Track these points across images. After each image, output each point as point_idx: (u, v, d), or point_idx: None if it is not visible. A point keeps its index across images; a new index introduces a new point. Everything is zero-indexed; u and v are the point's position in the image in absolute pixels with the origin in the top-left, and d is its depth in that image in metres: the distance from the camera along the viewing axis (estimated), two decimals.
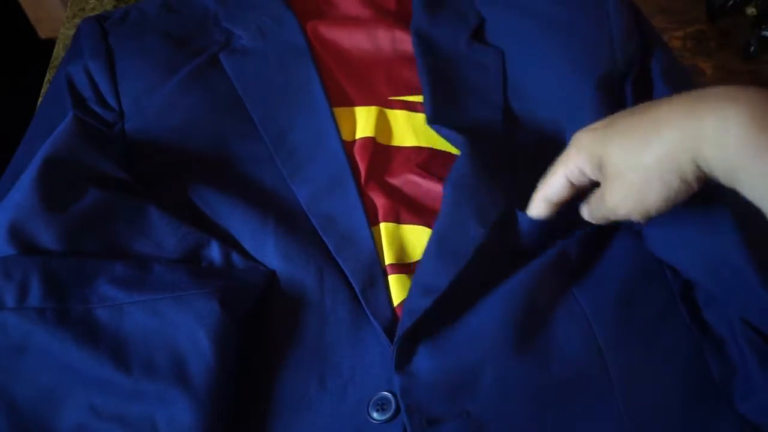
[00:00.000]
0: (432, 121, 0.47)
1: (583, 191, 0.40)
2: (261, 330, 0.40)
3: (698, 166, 0.33)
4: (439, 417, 0.36)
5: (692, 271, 0.41)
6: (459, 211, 0.42)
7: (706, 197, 0.37)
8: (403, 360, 0.38)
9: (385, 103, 0.51)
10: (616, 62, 0.48)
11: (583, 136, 0.38)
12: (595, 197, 0.39)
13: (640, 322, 0.40)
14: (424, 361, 0.38)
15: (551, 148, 0.41)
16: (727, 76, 0.70)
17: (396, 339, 0.38)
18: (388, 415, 0.37)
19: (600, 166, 0.37)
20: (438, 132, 0.47)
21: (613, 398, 0.37)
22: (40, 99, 0.65)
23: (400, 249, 0.43)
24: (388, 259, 0.42)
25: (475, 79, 0.51)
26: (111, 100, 0.50)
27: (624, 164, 0.35)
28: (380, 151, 0.48)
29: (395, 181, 0.47)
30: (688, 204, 0.36)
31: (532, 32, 0.51)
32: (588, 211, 0.41)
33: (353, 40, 0.55)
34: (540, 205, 0.41)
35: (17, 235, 0.39)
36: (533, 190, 0.41)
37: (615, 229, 0.44)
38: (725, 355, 0.39)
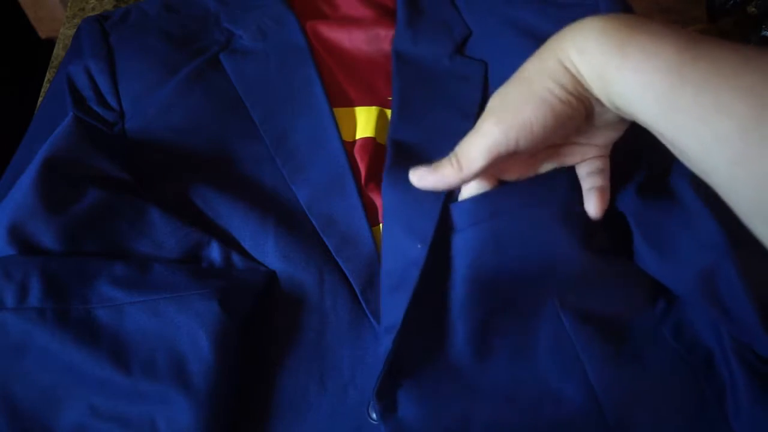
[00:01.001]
0: (392, 135, 0.46)
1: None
2: (261, 330, 0.40)
3: (566, 70, 0.33)
4: None
5: (685, 290, 0.40)
6: (394, 234, 0.41)
7: (700, 215, 0.37)
8: (387, 407, 0.37)
9: (385, 104, 0.51)
10: None
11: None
12: (466, 136, 0.36)
13: (629, 353, 0.39)
14: (409, 407, 0.37)
15: None
16: None
17: (374, 389, 0.37)
18: None
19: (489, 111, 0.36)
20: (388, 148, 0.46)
21: None
22: (40, 99, 0.65)
23: None
24: None
25: (454, 91, 0.50)
26: (111, 100, 0.50)
27: (500, 92, 0.36)
28: (380, 151, 0.48)
29: None
30: (682, 222, 0.36)
31: (519, 46, 0.51)
32: (453, 155, 0.36)
33: (353, 40, 0.55)
34: (466, 191, 0.40)
35: (17, 235, 0.38)
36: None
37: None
38: (715, 372, 0.39)
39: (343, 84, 0.52)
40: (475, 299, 0.39)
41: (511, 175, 0.40)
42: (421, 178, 0.37)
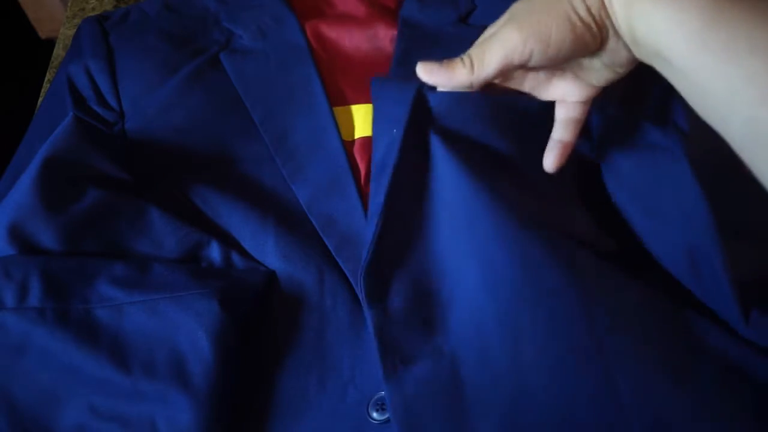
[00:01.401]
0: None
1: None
2: (261, 330, 0.40)
3: (591, 3, 0.33)
4: (413, 355, 0.35)
5: (671, 262, 0.40)
6: (377, 123, 0.42)
7: (691, 193, 0.37)
8: (374, 294, 0.37)
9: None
10: None
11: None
12: (482, 38, 0.36)
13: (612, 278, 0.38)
14: (396, 293, 0.37)
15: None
16: None
17: (360, 271, 0.37)
18: (387, 415, 0.36)
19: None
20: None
21: (599, 346, 0.34)
22: (40, 99, 0.65)
23: None
24: None
25: (455, 50, 0.50)
26: (111, 100, 0.50)
27: (522, 5, 0.35)
28: None
29: None
30: (674, 197, 0.36)
31: None
32: (467, 56, 0.36)
33: (353, 39, 0.55)
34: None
35: (17, 235, 0.39)
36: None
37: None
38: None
39: (343, 83, 0.52)
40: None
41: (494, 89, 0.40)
42: (430, 72, 0.37)
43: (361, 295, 0.37)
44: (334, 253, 0.42)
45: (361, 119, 0.49)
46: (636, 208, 0.42)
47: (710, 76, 0.29)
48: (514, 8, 0.35)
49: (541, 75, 0.39)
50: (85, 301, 0.37)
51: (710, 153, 0.40)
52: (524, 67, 0.35)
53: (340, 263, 0.42)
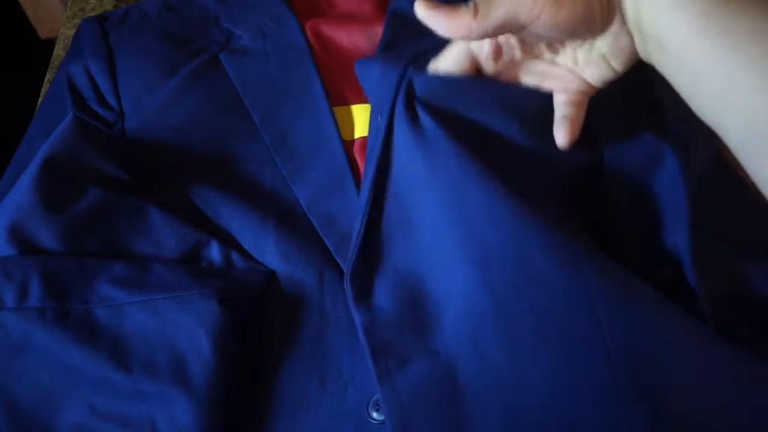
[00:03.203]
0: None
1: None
2: (261, 330, 0.40)
3: None
4: (407, 356, 0.35)
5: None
6: (371, 113, 0.41)
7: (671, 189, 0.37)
8: (361, 294, 0.36)
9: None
10: None
11: None
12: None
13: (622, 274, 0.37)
14: (384, 294, 0.36)
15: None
16: None
17: (346, 271, 0.36)
18: None
19: None
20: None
21: (598, 329, 0.33)
22: (40, 99, 0.65)
23: None
24: None
25: (445, 40, 0.49)
26: (111, 100, 0.50)
27: None
28: None
29: None
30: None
31: None
32: (482, 8, 0.33)
33: (352, 39, 0.55)
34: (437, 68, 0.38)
35: (17, 235, 0.39)
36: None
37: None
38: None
39: (342, 83, 0.52)
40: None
41: (490, 69, 0.39)
42: (428, 12, 0.34)
43: (349, 297, 0.37)
44: (333, 253, 0.42)
45: (361, 119, 0.49)
46: (624, 206, 0.41)
47: (709, 61, 0.29)
48: None
49: (538, 66, 0.39)
50: (85, 301, 0.37)
51: (703, 160, 0.40)
52: (526, 32, 0.34)
53: (340, 263, 0.42)
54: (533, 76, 0.39)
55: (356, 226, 0.38)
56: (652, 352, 0.32)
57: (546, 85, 0.39)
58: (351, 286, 0.37)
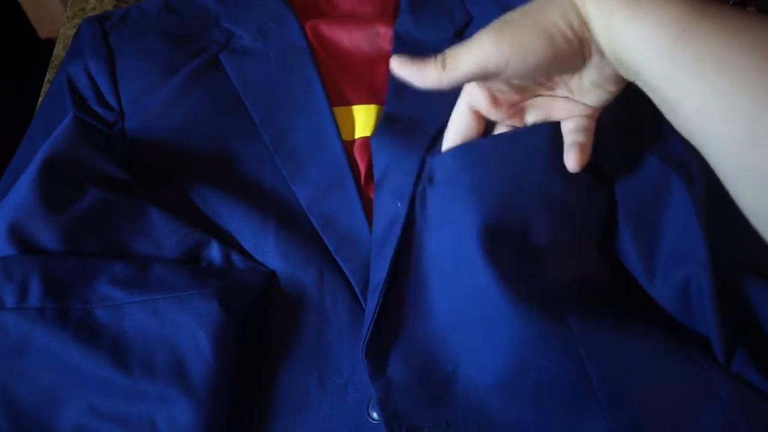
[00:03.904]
0: (384, 111, 0.46)
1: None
2: (261, 330, 0.40)
3: (575, 11, 0.33)
4: (419, 426, 0.36)
5: (665, 299, 0.40)
6: (379, 195, 0.41)
7: (688, 223, 0.37)
8: (376, 367, 0.37)
9: (384, 102, 0.51)
10: None
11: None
12: (464, 41, 0.36)
13: (611, 317, 0.39)
14: (398, 366, 0.37)
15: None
16: None
17: (362, 346, 0.37)
18: None
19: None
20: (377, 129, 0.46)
21: (599, 408, 0.35)
22: (40, 99, 0.65)
23: None
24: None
25: None
26: (111, 100, 0.50)
27: (504, 20, 0.35)
28: None
29: None
30: (670, 227, 0.36)
31: None
32: (441, 56, 0.36)
33: (353, 39, 0.55)
34: (449, 138, 0.40)
35: (17, 234, 0.39)
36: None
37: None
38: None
39: (343, 83, 0.52)
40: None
41: (497, 122, 0.40)
42: (401, 65, 0.37)
43: (364, 370, 0.37)
44: (333, 253, 0.42)
45: (362, 119, 0.49)
46: (632, 235, 0.41)
47: (682, 92, 0.29)
48: (495, 22, 0.36)
49: (532, 100, 0.40)
50: (85, 301, 0.37)
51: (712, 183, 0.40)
52: (503, 77, 0.35)
53: (340, 263, 0.42)
54: (538, 111, 0.40)
55: (371, 301, 0.38)
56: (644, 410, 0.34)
57: (553, 116, 0.40)
58: (366, 360, 0.37)
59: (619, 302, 0.40)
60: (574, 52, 0.34)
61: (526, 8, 0.35)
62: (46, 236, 0.39)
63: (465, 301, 0.38)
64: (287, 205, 0.44)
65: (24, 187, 0.39)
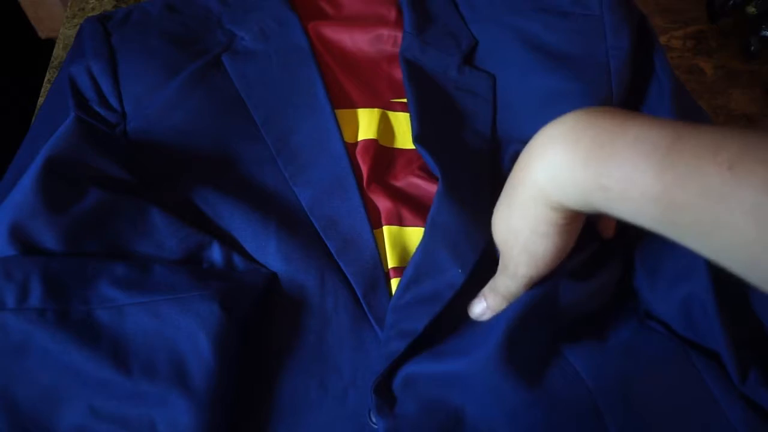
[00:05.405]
0: (418, 141, 0.46)
1: None
2: (261, 332, 0.40)
3: (554, 208, 0.33)
4: None
5: (666, 314, 0.40)
6: (436, 253, 0.41)
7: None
8: (385, 405, 0.37)
9: (388, 105, 0.51)
10: (612, 92, 0.47)
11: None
12: (498, 272, 0.39)
13: (613, 339, 0.39)
14: (409, 403, 0.37)
15: None
16: (727, 76, 0.71)
17: (373, 384, 0.37)
18: None
19: (496, 240, 0.38)
20: (421, 154, 0.46)
21: None
22: (40, 99, 0.65)
23: (403, 252, 0.43)
24: (391, 262, 0.42)
25: (464, 105, 0.50)
26: (113, 101, 0.50)
27: (504, 234, 0.37)
28: (382, 153, 0.48)
29: (398, 184, 0.47)
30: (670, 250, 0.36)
31: (524, 58, 0.50)
32: (492, 297, 0.39)
33: (356, 41, 0.55)
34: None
35: (18, 235, 0.38)
36: None
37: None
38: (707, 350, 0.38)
39: (345, 85, 0.52)
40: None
41: None
42: (484, 310, 0.40)
43: (372, 407, 0.37)
44: (335, 255, 0.42)
45: (365, 122, 0.49)
46: (636, 253, 0.42)
47: (692, 244, 0.28)
48: (504, 248, 0.37)
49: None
50: (85, 302, 0.37)
51: None
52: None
53: (342, 265, 0.42)
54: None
55: (397, 343, 0.38)
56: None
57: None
58: (375, 396, 0.37)
59: (622, 324, 0.40)
60: (581, 224, 0.35)
61: (514, 232, 0.36)
62: (47, 237, 0.39)
63: (488, 368, 0.37)
64: (289, 206, 0.44)
65: (25, 187, 0.39)
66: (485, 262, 0.41)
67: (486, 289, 0.40)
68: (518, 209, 0.35)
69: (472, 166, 0.46)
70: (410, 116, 0.48)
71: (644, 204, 0.28)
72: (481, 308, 0.40)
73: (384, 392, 0.38)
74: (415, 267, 0.41)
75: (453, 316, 0.40)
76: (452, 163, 0.45)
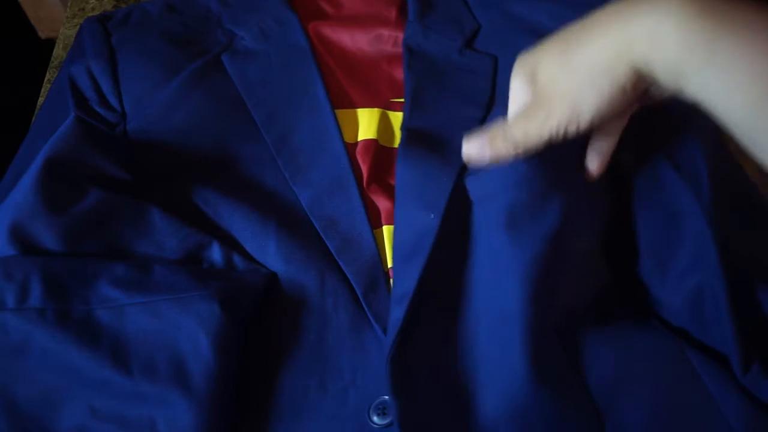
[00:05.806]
0: (405, 126, 0.46)
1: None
2: (261, 332, 0.40)
3: (635, 71, 0.31)
4: None
5: (674, 307, 0.40)
6: (406, 208, 0.41)
7: (700, 233, 0.37)
8: (400, 382, 0.36)
9: (387, 105, 0.51)
10: None
11: (521, 57, 0.37)
12: (522, 114, 0.36)
13: (612, 332, 0.39)
14: (425, 382, 0.37)
15: None
16: None
17: (386, 359, 0.37)
18: (388, 420, 0.36)
19: (533, 81, 0.35)
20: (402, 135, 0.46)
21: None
22: (40, 99, 0.65)
23: None
24: (391, 262, 0.42)
25: (464, 82, 0.50)
26: (113, 101, 0.50)
27: (555, 72, 0.34)
28: (382, 153, 0.48)
29: None
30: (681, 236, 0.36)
31: (526, 44, 0.50)
32: (510, 134, 0.36)
33: (355, 41, 0.55)
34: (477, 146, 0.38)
35: (18, 235, 0.38)
36: None
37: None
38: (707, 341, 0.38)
39: (345, 85, 0.52)
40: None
41: None
42: (481, 149, 0.36)
43: (386, 383, 0.36)
44: (335, 255, 0.42)
45: (365, 122, 0.49)
46: (645, 243, 0.41)
47: (763, 134, 0.27)
48: (545, 76, 0.34)
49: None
50: (86, 302, 0.37)
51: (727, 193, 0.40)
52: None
53: (342, 265, 0.42)
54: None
55: (398, 311, 0.38)
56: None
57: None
58: (390, 373, 0.36)
59: (619, 321, 0.40)
60: (632, 104, 0.33)
61: (578, 66, 0.33)
62: (48, 237, 0.39)
63: (493, 325, 0.38)
64: (289, 206, 0.44)
65: (25, 187, 0.39)
66: (458, 204, 0.40)
67: (492, 131, 0.36)
68: (591, 54, 0.32)
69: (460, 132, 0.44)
70: (404, 105, 0.48)
71: (745, 84, 0.27)
72: (477, 148, 0.36)
73: (399, 369, 0.37)
74: (396, 229, 0.41)
75: (451, 272, 0.39)
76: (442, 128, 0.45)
